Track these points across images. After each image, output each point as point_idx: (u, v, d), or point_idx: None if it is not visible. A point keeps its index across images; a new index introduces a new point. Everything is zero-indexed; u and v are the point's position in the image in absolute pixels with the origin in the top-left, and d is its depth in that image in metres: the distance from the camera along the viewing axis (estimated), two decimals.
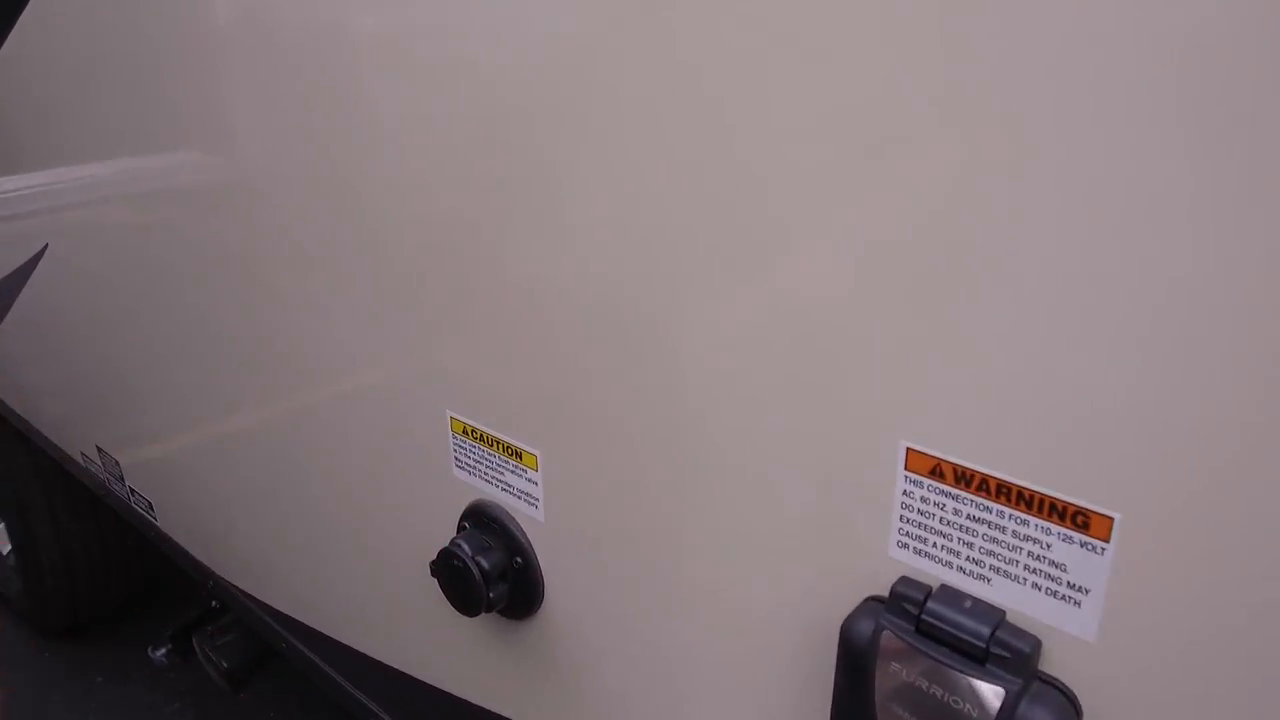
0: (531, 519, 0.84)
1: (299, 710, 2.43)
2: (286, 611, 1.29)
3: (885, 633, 0.54)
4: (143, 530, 1.64)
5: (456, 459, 0.89)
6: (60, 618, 2.57)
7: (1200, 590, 0.45)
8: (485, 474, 0.86)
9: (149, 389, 1.41)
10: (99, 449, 1.66)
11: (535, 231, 0.71)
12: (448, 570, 0.86)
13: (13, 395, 2.02)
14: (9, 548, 2.72)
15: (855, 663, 0.56)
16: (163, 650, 1.88)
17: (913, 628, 0.54)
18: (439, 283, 0.82)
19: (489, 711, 1.00)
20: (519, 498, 0.84)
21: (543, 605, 0.87)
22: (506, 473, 0.84)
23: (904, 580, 0.56)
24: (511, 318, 0.77)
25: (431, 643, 1.04)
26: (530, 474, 0.82)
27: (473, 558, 0.84)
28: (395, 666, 1.12)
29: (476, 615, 0.86)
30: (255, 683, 2.23)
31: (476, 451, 0.86)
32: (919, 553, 0.55)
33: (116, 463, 1.61)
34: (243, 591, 1.38)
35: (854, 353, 0.55)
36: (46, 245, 1.52)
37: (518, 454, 0.82)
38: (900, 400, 0.54)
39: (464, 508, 0.90)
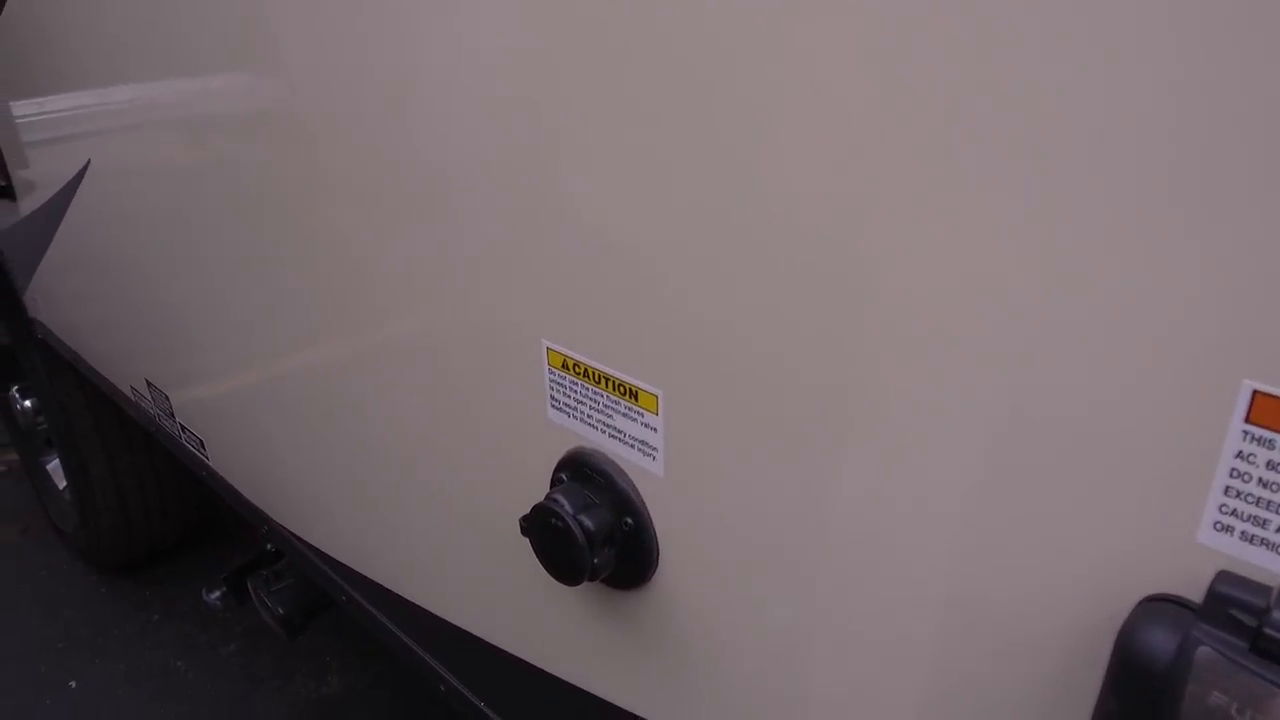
0: (646, 472, 0.69)
1: (357, 656, 2.36)
2: (346, 562, 1.17)
3: (1202, 649, 0.38)
4: (194, 469, 1.54)
5: (553, 398, 0.74)
6: (116, 554, 2.53)
7: None
8: (589, 417, 0.71)
9: (199, 322, 1.28)
10: (148, 383, 1.55)
11: (677, 106, 0.55)
12: (545, 530, 0.71)
13: (63, 328, 1.93)
14: (65, 483, 2.69)
15: (1143, 687, 0.40)
16: (217, 594, 1.79)
17: (1246, 645, 0.38)
18: (529, 179, 0.66)
19: (578, 689, 0.87)
20: (632, 446, 0.69)
21: (655, 575, 0.72)
22: (617, 416, 0.69)
23: (1227, 578, 0.39)
24: (639, 223, 0.61)
25: (513, 607, 0.90)
26: (648, 418, 0.66)
27: (575, 516, 0.70)
28: (466, 628, 0.99)
29: (578, 585, 0.72)
30: (313, 626, 2.15)
31: (579, 389, 0.71)
32: (1252, 539, 0.39)
33: (166, 398, 1.50)
34: (299, 538, 1.26)
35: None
36: (89, 161, 1.40)
37: (633, 393, 0.67)
38: (1241, 328, 0.37)
39: (560, 456, 0.75)
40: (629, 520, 0.70)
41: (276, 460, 1.24)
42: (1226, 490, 0.39)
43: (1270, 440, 0.37)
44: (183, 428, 1.49)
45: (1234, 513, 0.39)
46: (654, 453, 0.67)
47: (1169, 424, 0.40)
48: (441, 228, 0.77)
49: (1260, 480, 0.38)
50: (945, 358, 0.47)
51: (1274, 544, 0.38)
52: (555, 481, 0.76)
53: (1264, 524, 0.38)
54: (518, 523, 0.76)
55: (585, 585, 0.74)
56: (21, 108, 1.62)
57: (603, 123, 0.60)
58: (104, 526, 2.41)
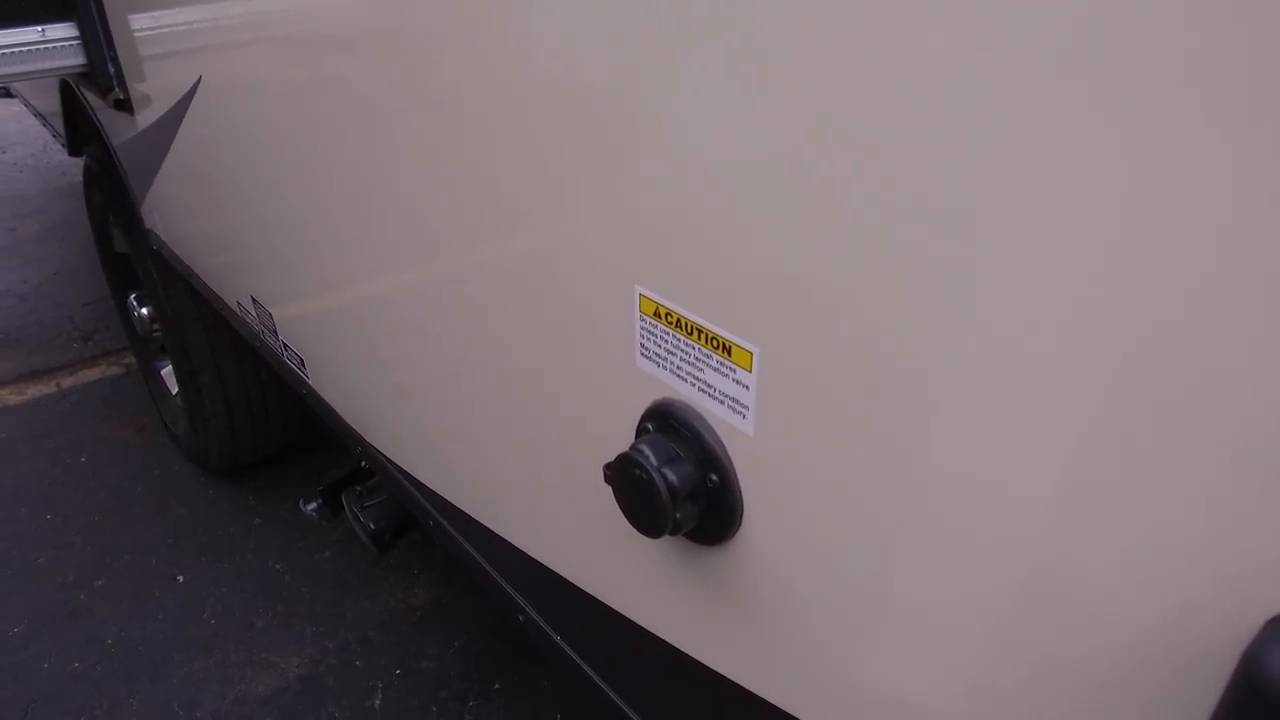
0: (735, 430, 0.67)
1: (443, 571, 2.46)
2: (435, 488, 1.20)
3: None
4: (294, 386, 1.59)
5: (643, 346, 0.72)
6: (222, 459, 2.68)
7: None
8: (679, 368, 0.70)
9: (303, 241, 1.31)
10: (253, 299, 1.61)
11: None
12: (627, 480, 0.71)
13: (176, 240, 2.01)
14: (178, 388, 2.85)
15: (1272, 707, 0.37)
16: (313, 505, 1.88)
17: None
18: (627, 119, 0.64)
19: (651, 634, 0.87)
20: (722, 402, 0.67)
21: (738, 534, 0.71)
22: (708, 370, 0.67)
23: None
24: (733, 172, 0.58)
25: (593, 549, 0.91)
26: (741, 374, 0.64)
27: (659, 470, 0.69)
28: (546, 564, 1.01)
29: (658, 538, 0.71)
30: (403, 543, 2.24)
31: (670, 339, 0.69)
32: None
33: (269, 315, 1.55)
34: (391, 462, 1.30)
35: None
36: (200, 78, 1.43)
37: (726, 348, 0.64)
38: None
39: (646, 406, 0.74)
40: (714, 477, 0.69)
41: (372, 383, 1.28)
42: None
43: None
44: (285, 345, 1.54)
45: None
46: (745, 411, 0.65)
47: None
48: (540, 156, 0.75)
49: None
50: (1054, 334, 0.43)
51: None
52: (641, 431, 0.75)
53: None
54: (601, 469, 0.75)
55: (665, 539, 0.73)
56: (139, 21, 1.66)
57: (710, 55, 0.56)
58: (211, 433, 2.55)
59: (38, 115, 3.71)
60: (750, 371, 0.63)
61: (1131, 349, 0.41)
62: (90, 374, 3.46)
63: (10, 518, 2.72)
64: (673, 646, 0.84)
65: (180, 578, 2.49)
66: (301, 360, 1.50)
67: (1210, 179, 0.37)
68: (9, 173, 5.64)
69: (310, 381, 1.50)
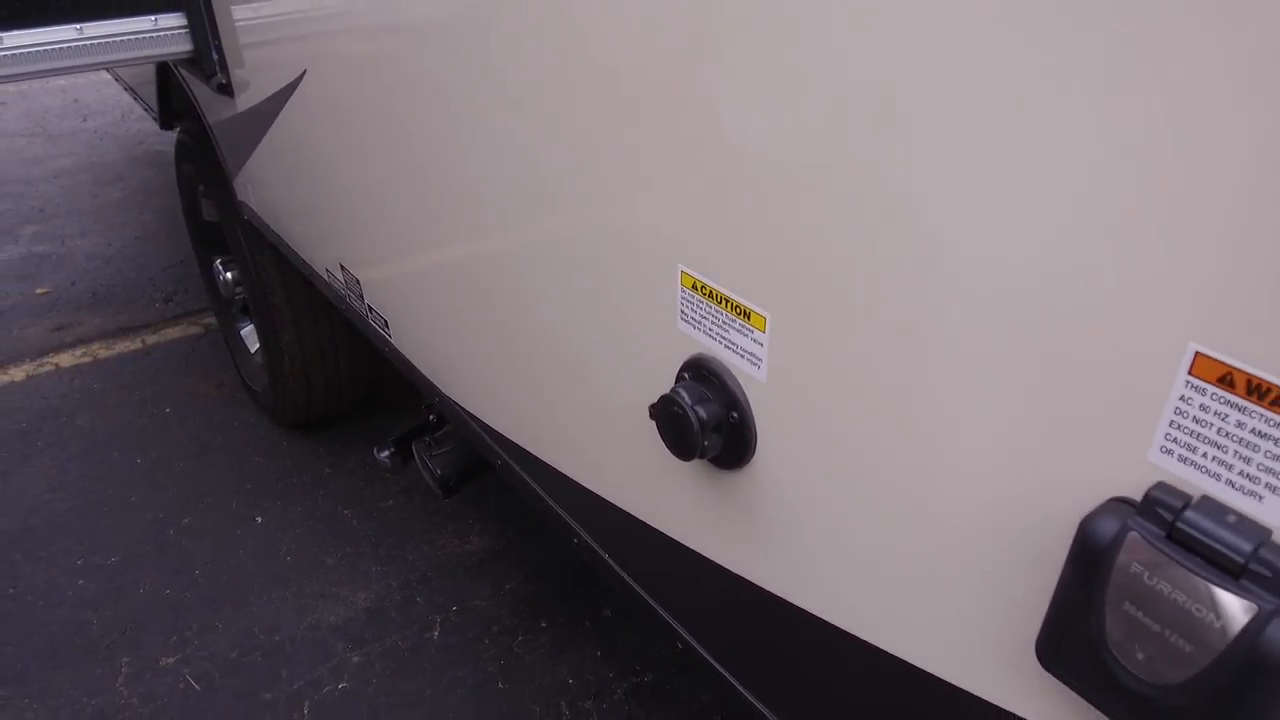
0: (751, 378, 0.87)
1: (496, 521, 2.70)
2: (503, 432, 1.41)
3: (1132, 534, 0.54)
4: (377, 345, 1.82)
5: (682, 312, 0.92)
6: (297, 414, 2.94)
7: None
8: (710, 330, 0.90)
9: (390, 214, 1.53)
10: (342, 266, 1.84)
11: (780, 95, 0.70)
12: (667, 415, 0.91)
13: (268, 212, 2.25)
14: (258, 345, 3.12)
15: (1089, 559, 0.56)
16: (386, 452, 2.12)
17: (1164, 534, 0.53)
18: (678, 136, 0.83)
19: (680, 544, 1.08)
20: (742, 356, 0.87)
21: (752, 460, 0.91)
22: (732, 331, 0.87)
23: (1161, 486, 0.54)
24: (755, 181, 0.77)
25: (636, 477, 1.12)
26: (757, 334, 0.84)
27: (692, 406, 0.89)
28: (596, 492, 1.22)
29: (689, 461, 0.91)
30: (462, 492, 2.48)
31: (704, 307, 0.89)
32: (1184, 461, 0.53)
33: (357, 281, 1.78)
34: (465, 410, 1.52)
35: (1145, 242, 0.52)
36: (305, 71, 1.65)
37: (746, 314, 0.84)
38: (1193, 295, 0.50)
39: (684, 360, 0.94)
40: (734, 414, 0.89)
41: (450, 341, 1.49)
42: (1172, 424, 0.53)
43: (1203, 388, 0.51)
44: (370, 308, 1.77)
45: (1175, 440, 0.54)
46: (759, 363, 0.85)
47: (1134, 372, 0.54)
48: (606, 160, 0.95)
49: (1195, 418, 0.52)
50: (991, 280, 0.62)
51: (1199, 465, 0.53)
52: (679, 378, 0.95)
53: (1193, 450, 0.53)
54: (647, 409, 0.96)
55: (695, 462, 0.94)
56: (245, 15, 1.89)
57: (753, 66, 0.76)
58: (290, 389, 2.80)
59: (129, 90, 3.99)
60: (764, 332, 0.83)
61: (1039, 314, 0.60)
62: (172, 332, 3.76)
63: (105, 460, 3.02)
64: (693, 550, 1.04)
65: (258, 519, 2.76)
66: (385, 322, 1.73)
67: None
68: (91, 140, 6.00)
69: (393, 341, 1.73)
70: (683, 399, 0.89)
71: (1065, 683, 0.61)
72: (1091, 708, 0.60)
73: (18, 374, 3.51)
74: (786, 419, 0.85)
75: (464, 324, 1.40)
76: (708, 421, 0.89)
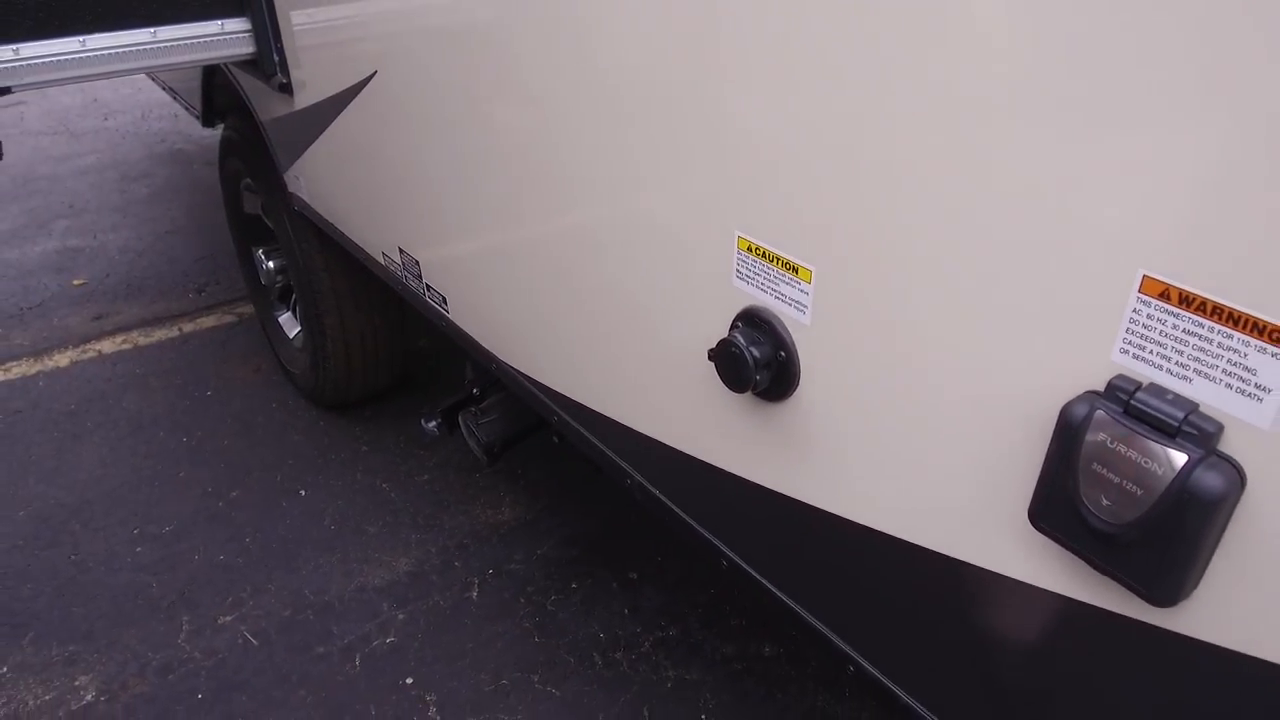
0: (798, 323, 1.06)
1: (526, 493, 2.89)
2: (560, 390, 1.61)
3: (1099, 413, 0.73)
4: (433, 320, 2.01)
5: (738, 271, 1.12)
6: (336, 394, 3.13)
7: None
8: (762, 285, 1.09)
9: (450, 197, 1.72)
10: (400, 250, 2.03)
11: (829, 83, 0.90)
12: (725, 355, 1.11)
13: (322, 202, 2.44)
14: (297, 330, 3.30)
15: (1068, 435, 0.76)
16: (433, 423, 2.31)
17: (1122, 410, 0.73)
18: (736, 128, 1.02)
19: (726, 471, 1.27)
20: (790, 305, 1.06)
21: (796, 392, 1.10)
22: (782, 284, 1.06)
23: (1120, 377, 0.74)
24: (801, 161, 0.96)
25: (690, 417, 1.31)
26: (803, 285, 1.03)
27: (747, 348, 1.08)
28: (649, 434, 1.41)
29: (744, 392, 1.11)
30: (495, 466, 2.66)
31: (758, 265, 1.08)
32: (1136, 358, 0.73)
33: (416, 262, 1.97)
34: (522, 373, 1.71)
35: (1102, 206, 0.71)
36: (376, 71, 1.84)
37: (794, 269, 1.04)
38: (1136, 235, 0.70)
39: (738, 311, 1.14)
40: (782, 354, 1.09)
41: (508, 311, 1.69)
42: (1127, 330, 0.73)
43: (1148, 302, 0.71)
44: (428, 287, 1.96)
45: (1129, 343, 0.73)
46: (805, 310, 1.05)
47: (1101, 294, 0.74)
48: (664, 138, 1.14)
49: (1143, 325, 0.72)
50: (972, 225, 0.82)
51: (1147, 360, 0.72)
52: (733, 327, 1.14)
53: (1143, 349, 0.72)
54: (705, 354, 1.15)
55: (746, 396, 1.13)
56: (310, 19, 2.08)
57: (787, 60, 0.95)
58: (330, 370, 2.99)
59: (167, 89, 4.17)
60: (810, 284, 1.03)
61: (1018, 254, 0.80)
62: (207, 321, 3.95)
63: (153, 438, 3.20)
64: (737, 476, 1.24)
65: (302, 491, 2.95)
66: (444, 299, 1.92)
67: None
68: (114, 139, 6.18)
69: (450, 315, 1.92)
70: (740, 341, 1.09)
71: (1050, 536, 0.81)
72: (1069, 555, 0.80)
73: (62, 360, 3.69)
74: (826, 355, 1.05)
75: (528, 295, 1.60)
76: (760, 360, 1.08)
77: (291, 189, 2.64)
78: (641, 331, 1.34)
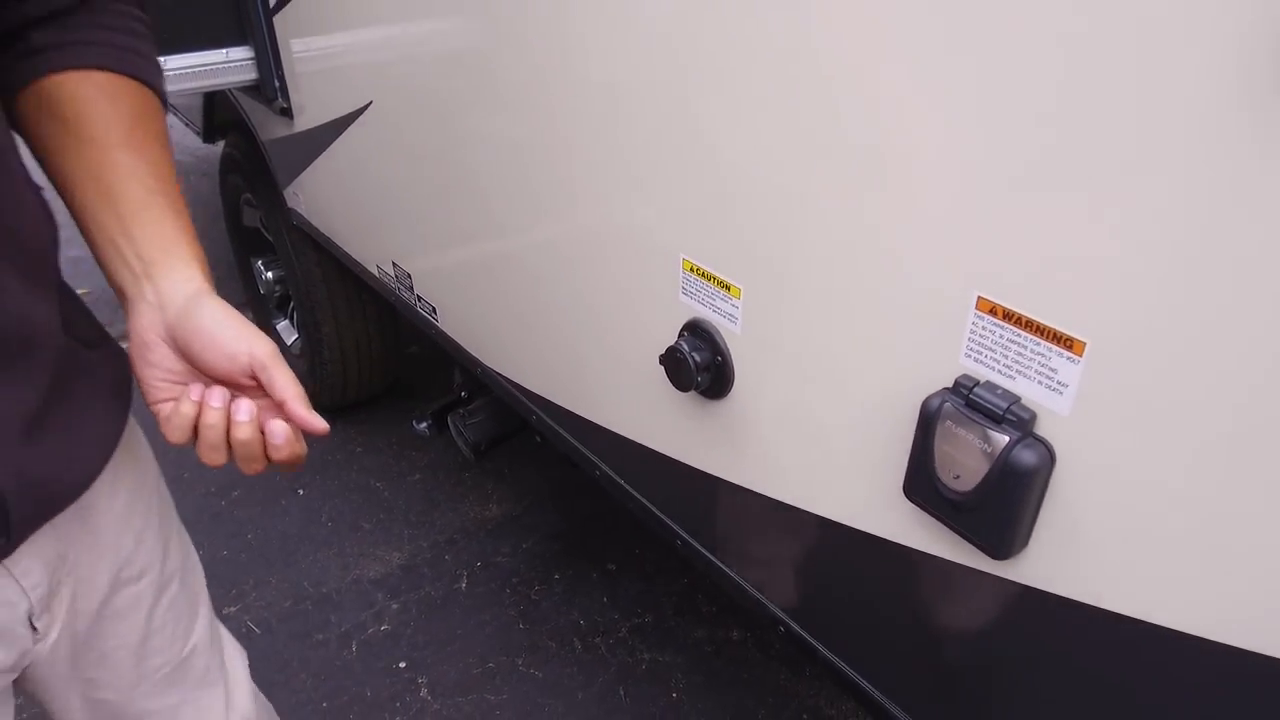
0: (731, 332, 1.27)
1: (512, 491, 3.09)
2: (537, 391, 1.81)
3: (947, 404, 0.94)
4: (423, 329, 2.21)
5: (683, 288, 1.32)
6: (332, 397, 3.32)
7: (1131, 389, 0.81)
8: (702, 299, 1.29)
9: (438, 217, 1.93)
10: (394, 263, 2.23)
11: (750, 127, 1.10)
12: (673, 360, 1.31)
13: (319, 217, 2.65)
14: (294, 337, 3.50)
15: (927, 423, 0.96)
16: (424, 424, 2.52)
17: (964, 402, 0.93)
18: (685, 169, 1.23)
19: (682, 463, 1.47)
20: (725, 317, 1.27)
21: (732, 390, 1.30)
22: (717, 299, 1.27)
23: (964, 376, 0.94)
24: (732, 197, 1.17)
25: (645, 414, 1.51)
26: (734, 301, 1.24)
27: (690, 354, 1.29)
28: (613, 429, 1.61)
29: (689, 391, 1.31)
30: (482, 466, 2.86)
31: (699, 284, 1.29)
32: (977, 361, 0.94)
33: (408, 275, 2.18)
34: (504, 377, 1.91)
35: (948, 236, 0.92)
36: (371, 102, 2.04)
37: (727, 286, 1.24)
38: (973, 265, 0.90)
39: (684, 322, 1.34)
40: (719, 358, 1.29)
41: (492, 321, 1.89)
42: (969, 340, 0.94)
43: (983, 318, 0.91)
44: (419, 298, 2.17)
45: (970, 350, 0.94)
46: (736, 321, 1.25)
47: (951, 312, 0.94)
48: (623, 175, 1.35)
49: (980, 335, 0.92)
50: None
51: (984, 363, 0.93)
52: (680, 335, 1.35)
53: (980, 354, 0.93)
54: (658, 359, 1.35)
55: (691, 395, 1.34)
56: (310, 50, 2.28)
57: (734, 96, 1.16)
58: (327, 376, 3.19)
59: (169, 107, 4.35)
60: (739, 299, 1.23)
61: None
62: None
63: (155, 443, 3.39)
64: (685, 463, 1.44)
65: (300, 491, 3.15)
66: (434, 309, 2.12)
67: None
68: None
69: (439, 324, 2.12)
70: (684, 348, 1.29)
71: (919, 505, 1.01)
72: (933, 520, 1.00)
73: None
74: (754, 359, 1.25)
75: (506, 306, 1.80)
76: (701, 363, 1.29)
77: (290, 204, 2.84)
78: (604, 339, 1.54)
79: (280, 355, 0.88)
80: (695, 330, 1.33)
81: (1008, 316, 0.89)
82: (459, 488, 3.14)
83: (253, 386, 0.87)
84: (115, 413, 0.95)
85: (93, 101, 0.89)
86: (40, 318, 0.81)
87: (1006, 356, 0.91)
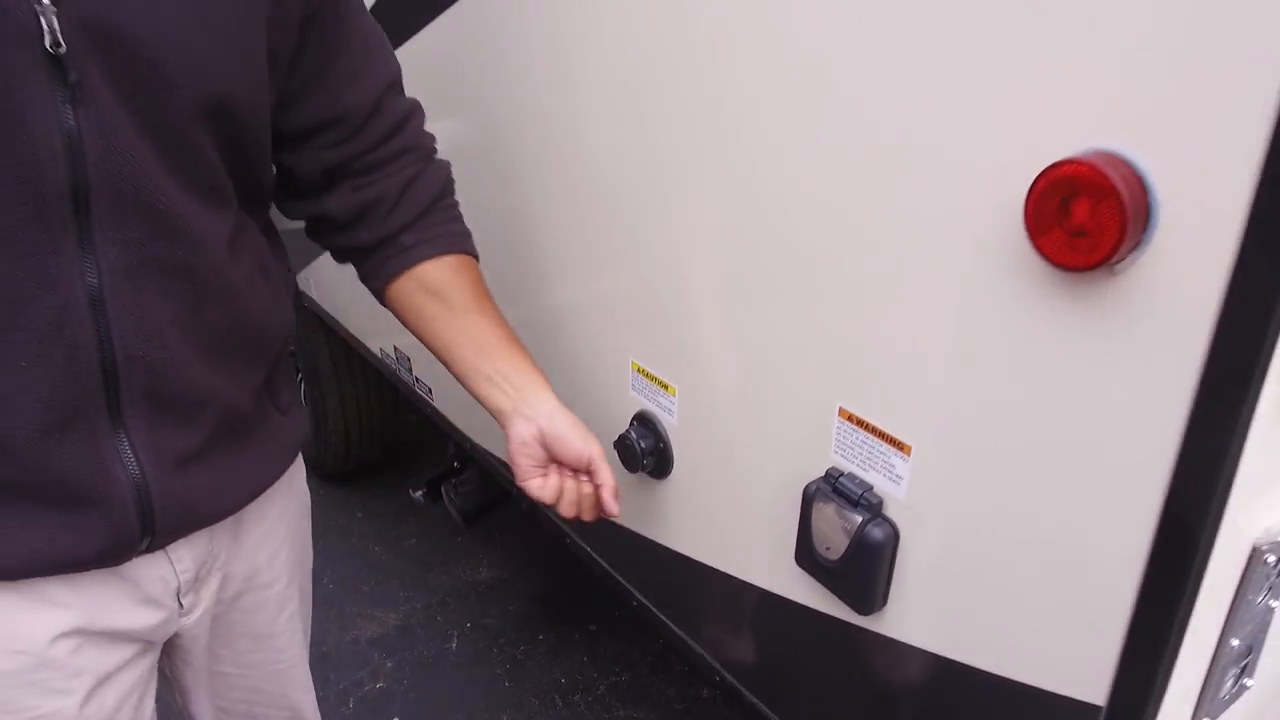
0: (670, 423, 1.55)
1: (501, 556, 3.34)
2: None
3: (821, 489, 1.21)
4: (420, 407, 2.50)
5: (632, 385, 1.60)
6: (334, 466, 3.59)
7: (949, 482, 1.09)
8: (647, 396, 1.58)
9: None
10: (395, 347, 2.53)
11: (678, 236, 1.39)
12: (624, 446, 1.59)
13: (329, 302, 2.95)
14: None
15: (807, 505, 1.24)
16: (419, 492, 2.79)
17: (832, 489, 1.20)
18: (616, 262, 1.52)
19: (634, 532, 1.74)
20: (664, 411, 1.55)
21: (672, 472, 1.58)
22: (658, 395, 1.55)
23: (833, 468, 1.22)
24: (667, 309, 1.46)
25: None
26: (671, 397, 1.52)
27: (638, 441, 1.57)
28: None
29: (636, 473, 1.59)
30: (474, 532, 3.11)
31: (643, 382, 1.57)
32: (842, 456, 1.21)
33: (408, 359, 2.47)
34: (489, 452, 2.19)
35: (821, 362, 1.20)
36: None
37: (665, 385, 1.52)
38: (841, 385, 1.19)
39: (634, 413, 1.62)
40: (662, 444, 1.57)
41: (472, 403, 2.17)
42: (835, 440, 1.21)
43: (847, 429, 1.19)
44: (417, 379, 2.46)
45: (837, 447, 1.21)
46: (673, 413, 1.53)
47: (820, 419, 1.22)
48: (580, 287, 1.64)
49: (843, 438, 1.20)
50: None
51: (847, 457, 1.20)
52: (630, 424, 1.63)
53: (844, 451, 1.20)
54: (612, 444, 1.63)
55: (638, 475, 1.61)
56: None
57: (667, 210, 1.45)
58: (332, 444, 3.47)
59: None
60: (675, 396, 1.51)
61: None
62: None
63: None
64: (636, 532, 1.71)
65: None
66: (430, 389, 2.41)
67: None
68: None
69: (434, 403, 2.41)
70: (633, 436, 1.57)
71: (805, 569, 1.28)
72: (817, 583, 1.27)
73: None
74: (689, 446, 1.53)
75: None
76: (646, 449, 1.57)
77: (302, 288, 3.16)
78: None
79: (605, 455, 1.31)
80: (643, 420, 1.61)
81: (860, 424, 1.17)
82: (451, 552, 3.39)
83: (583, 470, 1.31)
84: (277, 464, 1.28)
85: (452, 279, 1.29)
86: (217, 386, 1.10)
87: (861, 454, 1.19)
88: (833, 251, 1.13)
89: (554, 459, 1.31)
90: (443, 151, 1.36)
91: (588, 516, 1.34)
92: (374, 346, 2.71)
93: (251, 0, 0.98)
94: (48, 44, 0.84)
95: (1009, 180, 0.86)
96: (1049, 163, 0.81)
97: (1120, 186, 0.75)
